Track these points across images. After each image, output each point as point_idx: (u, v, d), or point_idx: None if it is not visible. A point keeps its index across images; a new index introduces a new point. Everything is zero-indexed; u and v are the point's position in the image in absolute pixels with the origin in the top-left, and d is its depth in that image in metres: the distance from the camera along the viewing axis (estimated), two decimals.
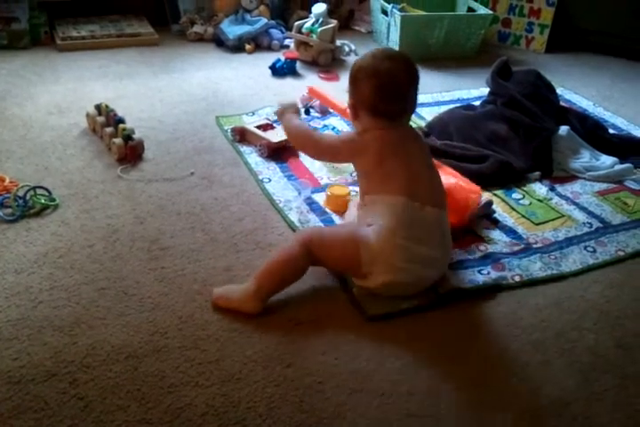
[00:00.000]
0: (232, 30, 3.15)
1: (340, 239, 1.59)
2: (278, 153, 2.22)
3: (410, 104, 1.65)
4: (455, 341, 1.52)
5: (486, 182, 2.09)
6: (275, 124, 2.33)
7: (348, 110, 1.72)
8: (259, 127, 2.29)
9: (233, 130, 2.33)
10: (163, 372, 1.38)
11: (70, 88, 2.65)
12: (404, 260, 1.55)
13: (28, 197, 1.87)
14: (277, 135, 2.24)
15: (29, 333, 1.45)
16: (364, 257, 1.55)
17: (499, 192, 2.10)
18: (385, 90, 1.59)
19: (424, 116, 2.59)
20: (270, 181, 2.08)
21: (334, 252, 1.58)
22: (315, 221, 1.89)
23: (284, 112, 1.88)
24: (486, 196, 1.99)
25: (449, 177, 1.92)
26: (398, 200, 1.58)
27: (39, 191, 1.90)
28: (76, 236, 1.78)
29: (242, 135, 2.31)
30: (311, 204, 1.97)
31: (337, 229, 1.74)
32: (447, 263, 1.68)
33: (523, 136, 2.29)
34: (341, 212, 1.93)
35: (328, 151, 1.75)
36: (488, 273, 1.71)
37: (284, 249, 1.59)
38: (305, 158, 2.21)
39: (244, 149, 2.26)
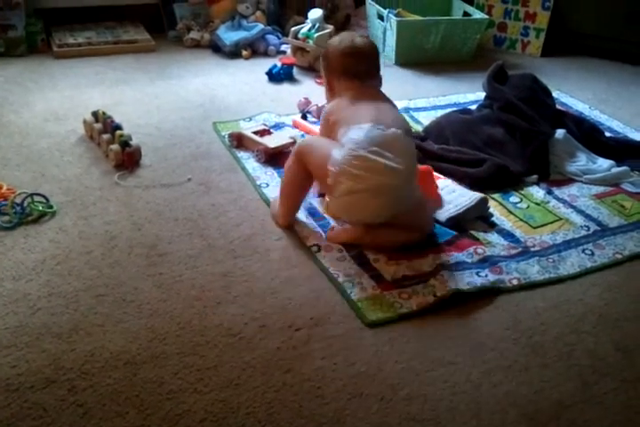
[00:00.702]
0: (228, 36, 3.16)
1: (319, 152, 1.79)
2: (275, 158, 2.22)
3: (374, 68, 1.93)
4: (454, 344, 1.52)
5: (484, 186, 2.10)
6: (272, 130, 2.34)
7: (326, 87, 1.97)
8: (256, 133, 2.29)
9: (230, 135, 2.33)
10: (161, 378, 1.37)
11: (67, 95, 2.65)
12: (363, 168, 1.69)
13: (25, 204, 1.87)
14: (274, 141, 2.24)
15: (28, 340, 1.45)
16: (331, 169, 1.72)
17: (496, 196, 2.10)
18: (351, 54, 1.88)
19: (421, 120, 2.59)
20: (268, 186, 2.08)
21: (314, 163, 1.78)
22: (313, 225, 1.89)
23: None
24: (479, 194, 2.00)
25: None
26: (364, 125, 1.75)
27: (37, 198, 1.90)
28: (73, 242, 1.78)
29: (239, 141, 2.31)
30: (309, 208, 1.97)
31: (324, 142, 1.86)
32: (412, 178, 1.80)
33: (519, 140, 2.29)
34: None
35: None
36: (486, 276, 1.71)
37: (286, 164, 1.87)
38: None
39: (242, 154, 2.26)
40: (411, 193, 1.79)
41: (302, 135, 2.41)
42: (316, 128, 2.36)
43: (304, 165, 1.80)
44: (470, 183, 2.10)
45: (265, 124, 2.40)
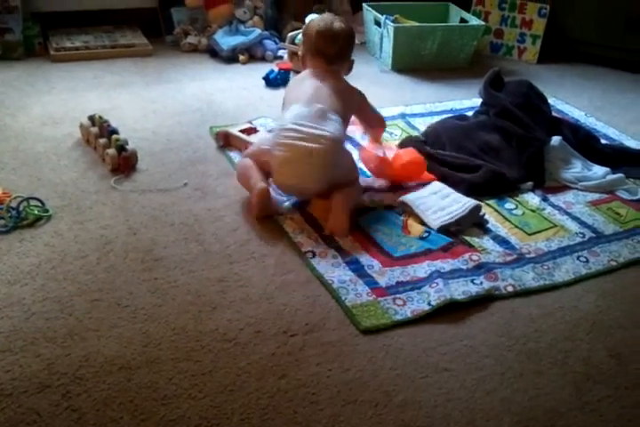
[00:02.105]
0: (226, 41, 3.16)
1: (255, 145, 2.10)
2: None
3: (344, 53, 2.12)
4: (448, 351, 1.52)
5: (479, 192, 2.11)
6: (258, 128, 2.36)
7: (300, 62, 2.19)
8: (242, 131, 2.33)
9: (217, 135, 2.35)
10: (156, 383, 1.37)
11: (64, 99, 2.65)
12: (292, 138, 1.89)
13: (21, 208, 1.86)
14: None
15: (22, 344, 1.45)
16: (265, 147, 1.98)
17: (492, 202, 2.11)
18: (324, 35, 2.06)
19: (417, 126, 2.60)
20: None
21: (255, 156, 2.03)
22: (309, 230, 1.89)
23: None
24: (473, 200, 2.01)
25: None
26: (294, 106, 1.99)
27: (32, 202, 1.90)
28: (69, 247, 1.78)
29: (226, 140, 2.34)
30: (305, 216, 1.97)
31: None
32: (339, 145, 1.98)
33: (515, 146, 2.30)
34: (326, 217, 1.93)
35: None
36: (481, 283, 1.71)
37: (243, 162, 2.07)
38: None
39: (238, 159, 2.26)
40: (341, 159, 1.98)
41: None
42: None
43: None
44: (466, 189, 2.10)
45: (250, 122, 2.43)
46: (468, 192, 2.08)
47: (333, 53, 2.08)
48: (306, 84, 2.05)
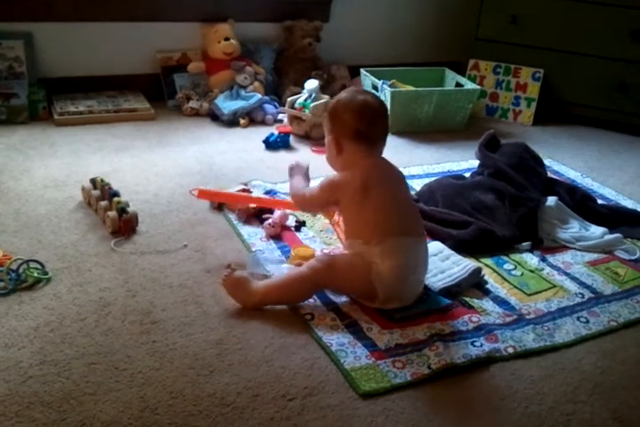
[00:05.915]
0: (227, 105, 3.22)
1: (353, 274, 1.78)
2: (255, 217, 2.30)
3: (385, 130, 1.87)
4: (450, 414, 1.50)
5: (468, 249, 2.13)
6: (251, 190, 2.42)
7: (331, 148, 1.86)
8: None
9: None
10: None
11: (67, 162, 2.68)
12: (408, 289, 1.80)
13: (21, 270, 1.87)
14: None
15: (17, 409, 1.43)
16: (381, 291, 1.75)
17: (490, 263, 2.12)
18: (364, 113, 1.77)
19: (415, 188, 2.62)
20: (264, 253, 2.09)
21: (347, 283, 1.80)
22: None
23: (292, 173, 2.10)
24: (474, 263, 2.02)
25: None
26: (402, 241, 1.77)
27: (32, 265, 1.91)
28: (67, 309, 1.77)
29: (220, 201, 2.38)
30: None
31: (349, 261, 1.81)
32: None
33: (508, 206, 2.32)
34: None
35: (313, 202, 1.95)
36: (481, 345, 1.70)
37: (298, 271, 1.80)
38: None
39: (237, 221, 2.28)
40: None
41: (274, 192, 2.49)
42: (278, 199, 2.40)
43: (317, 281, 1.80)
44: (454, 245, 2.12)
45: (244, 184, 2.48)
46: (456, 248, 2.10)
47: (378, 133, 1.83)
48: (380, 191, 1.79)
